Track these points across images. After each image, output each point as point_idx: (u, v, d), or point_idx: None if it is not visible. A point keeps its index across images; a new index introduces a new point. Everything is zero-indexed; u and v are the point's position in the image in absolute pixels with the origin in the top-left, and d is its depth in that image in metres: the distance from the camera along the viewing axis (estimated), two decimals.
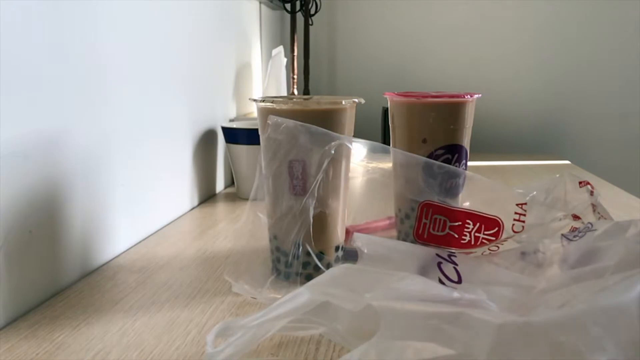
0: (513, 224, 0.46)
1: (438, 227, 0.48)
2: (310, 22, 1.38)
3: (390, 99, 0.59)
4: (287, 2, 1.29)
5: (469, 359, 0.26)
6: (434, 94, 0.57)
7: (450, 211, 0.47)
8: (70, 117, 0.49)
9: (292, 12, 1.29)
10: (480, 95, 0.57)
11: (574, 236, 0.39)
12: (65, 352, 0.37)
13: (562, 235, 0.40)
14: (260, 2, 1.22)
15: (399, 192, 0.61)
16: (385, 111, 0.65)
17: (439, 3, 1.48)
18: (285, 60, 1.15)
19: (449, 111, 0.56)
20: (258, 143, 0.54)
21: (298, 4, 1.32)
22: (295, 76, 1.32)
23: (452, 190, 0.57)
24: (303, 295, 0.30)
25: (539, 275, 0.38)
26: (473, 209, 0.47)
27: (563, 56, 1.46)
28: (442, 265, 0.36)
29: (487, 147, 1.46)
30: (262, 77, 1.25)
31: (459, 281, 0.35)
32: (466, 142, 0.57)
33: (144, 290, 0.48)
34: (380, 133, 1.39)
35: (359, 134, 0.72)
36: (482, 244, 0.46)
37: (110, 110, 0.56)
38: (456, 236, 0.46)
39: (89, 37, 0.52)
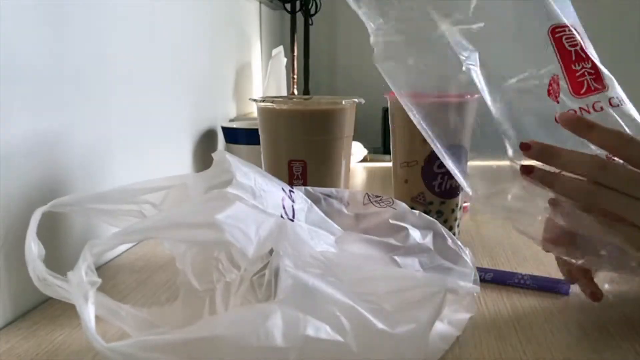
0: None
1: None
2: (310, 22, 1.38)
3: (390, 99, 0.59)
4: (287, 2, 1.29)
5: (348, 348, 0.29)
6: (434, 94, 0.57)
7: None
8: (70, 117, 0.49)
9: (292, 12, 1.29)
10: (480, 95, 0.57)
11: (375, 201, 0.45)
12: (65, 352, 0.37)
13: (367, 193, 0.45)
14: (260, 2, 1.22)
15: (399, 192, 0.61)
16: (385, 111, 0.65)
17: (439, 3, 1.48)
18: (285, 60, 1.15)
19: (449, 111, 0.56)
20: (258, 143, 0.54)
21: (298, 4, 1.32)
22: (295, 76, 1.32)
23: (452, 190, 0.57)
24: (200, 221, 0.31)
25: (336, 219, 0.43)
26: None
27: None
28: (284, 200, 0.39)
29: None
30: (262, 77, 1.25)
31: (293, 219, 0.38)
32: (466, 142, 0.57)
33: (144, 290, 0.48)
34: (380, 133, 1.38)
35: (359, 133, 0.72)
36: None
37: (111, 110, 0.56)
38: None
39: (89, 37, 0.52)
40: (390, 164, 0.61)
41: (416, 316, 0.33)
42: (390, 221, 0.44)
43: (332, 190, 0.45)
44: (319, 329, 0.29)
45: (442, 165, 0.54)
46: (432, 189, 0.57)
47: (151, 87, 0.65)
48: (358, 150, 1.08)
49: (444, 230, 0.43)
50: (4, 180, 0.41)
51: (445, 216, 0.58)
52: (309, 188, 0.44)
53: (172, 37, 0.71)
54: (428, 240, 0.42)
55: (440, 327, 0.37)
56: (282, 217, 0.36)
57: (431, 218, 0.44)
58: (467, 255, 0.42)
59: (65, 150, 0.48)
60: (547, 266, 0.52)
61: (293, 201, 0.39)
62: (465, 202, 0.58)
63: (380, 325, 0.31)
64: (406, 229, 0.43)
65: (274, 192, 0.38)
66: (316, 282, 0.31)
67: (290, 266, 0.32)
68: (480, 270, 0.49)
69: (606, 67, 0.49)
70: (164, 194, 0.39)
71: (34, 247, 0.31)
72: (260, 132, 0.55)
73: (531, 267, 0.52)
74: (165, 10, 0.69)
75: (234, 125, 0.85)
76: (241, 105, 1.06)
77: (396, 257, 0.41)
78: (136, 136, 0.61)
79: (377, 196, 0.46)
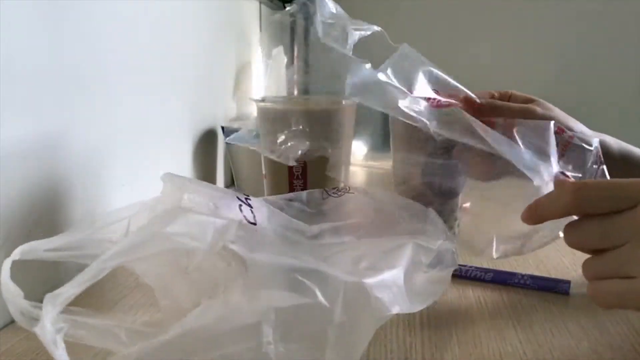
0: None
1: None
2: (310, 22, 1.38)
3: None
4: (287, 2, 1.29)
5: (321, 306, 0.30)
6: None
7: None
8: (70, 117, 0.49)
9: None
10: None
11: (332, 193, 0.46)
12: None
13: (324, 190, 0.47)
14: (260, 2, 1.22)
15: (399, 192, 0.60)
16: None
17: (440, 3, 1.48)
18: (285, 60, 1.15)
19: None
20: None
21: None
22: (296, 76, 1.32)
23: (452, 190, 0.57)
24: (148, 237, 0.31)
25: (301, 219, 0.44)
26: None
27: (564, 56, 1.46)
28: (242, 207, 0.39)
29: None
30: (262, 77, 1.25)
31: (255, 223, 0.39)
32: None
33: (144, 290, 0.48)
34: (380, 133, 1.38)
35: (359, 134, 0.72)
36: None
37: (111, 110, 0.56)
38: None
39: (89, 37, 0.52)
40: (390, 164, 0.61)
41: (389, 265, 0.34)
42: (354, 206, 0.45)
43: (291, 194, 0.46)
44: (287, 298, 0.30)
45: (442, 165, 0.54)
46: (432, 189, 0.56)
47: (151, 88, 0.65)
48: (358, 150, 1.08)
49: (405, 200, 0.46)
50: (4, 181, 0.41)
51: (445, 216, 0.58)
52: (267, 197, 0.45)
53: (172, 37, 0.71)
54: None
55: (425, 283, 0.37)
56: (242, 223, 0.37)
57: (389, 192, 0.46)
58: (433, 214, 0.43)
59: (65, 151, 0.48)
60: (547, 266, 0.52)
61: (251, 207, 0.40)
62: (465, 202, 0.58)
63: (350, 278, 0.32)
64: (370, 207, 0.45)
65: (229, 203, 0.38)
66: (275, 257, 0.32)
67: (248, 252, 0.32)
68: (480, 270, 0.49)
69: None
70: (126, 223, 0.38)
71: (11, 287, 0.32)
72: (260, 132, 0.55)
73: (531, 267, 0.52)
74: (164, 11, 0.69)
75: (234, 125, 0.85)
76: (241, 105, 1.06)
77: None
78: (136, 136, 0.61)
79: (334, 188, 0.47)
